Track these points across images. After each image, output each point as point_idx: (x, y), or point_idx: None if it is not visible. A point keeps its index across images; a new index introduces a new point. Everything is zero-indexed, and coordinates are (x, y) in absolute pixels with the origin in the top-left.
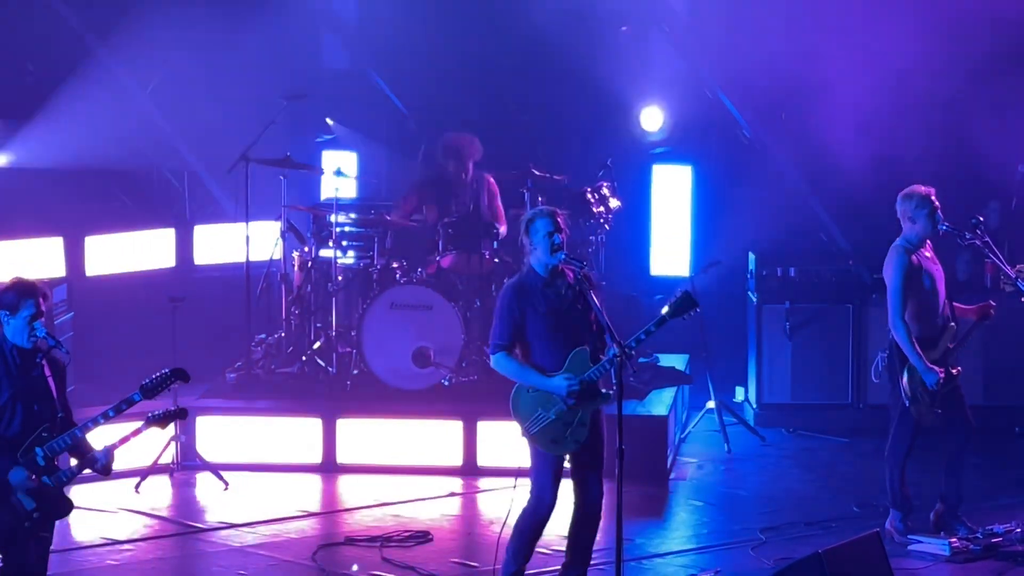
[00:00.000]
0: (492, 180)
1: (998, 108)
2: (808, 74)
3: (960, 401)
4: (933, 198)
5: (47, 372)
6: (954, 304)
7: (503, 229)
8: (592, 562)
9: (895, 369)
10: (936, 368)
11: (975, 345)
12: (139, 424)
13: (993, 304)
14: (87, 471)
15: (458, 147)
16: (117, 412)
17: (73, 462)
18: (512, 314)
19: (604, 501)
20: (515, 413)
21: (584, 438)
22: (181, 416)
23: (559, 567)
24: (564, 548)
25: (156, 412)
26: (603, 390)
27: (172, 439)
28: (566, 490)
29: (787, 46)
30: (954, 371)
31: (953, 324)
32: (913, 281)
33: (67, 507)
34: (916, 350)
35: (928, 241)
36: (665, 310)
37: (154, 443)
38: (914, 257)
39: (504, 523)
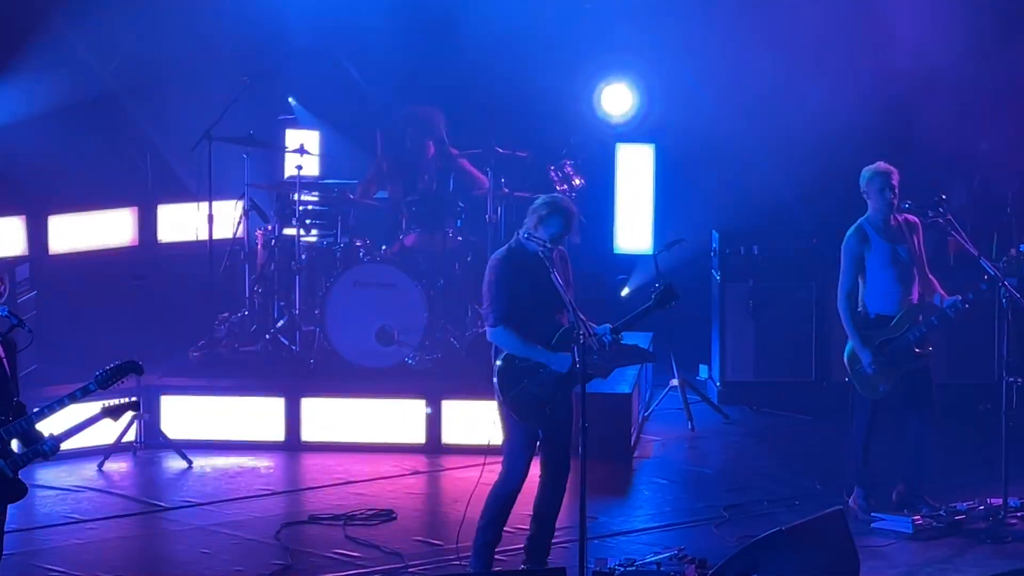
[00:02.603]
0: (455, 153)
1: (962, 86)
2: (771, 50)
3: (926, 381)
4: (887, 175)
5: (1, 353)
6: (927, 291)
7: (480, 193)
8: (556, 540)
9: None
10: (872, 350)
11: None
12: (92, 413)
13: (960, 300)
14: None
15: (419, 120)
16: (72, 401)
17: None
18: (509, 285)
19: (568, 479)
20: (500, 382)
21: (560, 415)
22: (134, 409)
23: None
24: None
25: (110, 403)
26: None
27: (135, 418)
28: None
29: (753, 25)
30: (918, 351)
31: (926, 301)
32: (862, 260)
33: (21, 491)
34: (854, 327)
35: (908, 218)
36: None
37: (117, 422)
38: (867, 236)
39: (468, 502)
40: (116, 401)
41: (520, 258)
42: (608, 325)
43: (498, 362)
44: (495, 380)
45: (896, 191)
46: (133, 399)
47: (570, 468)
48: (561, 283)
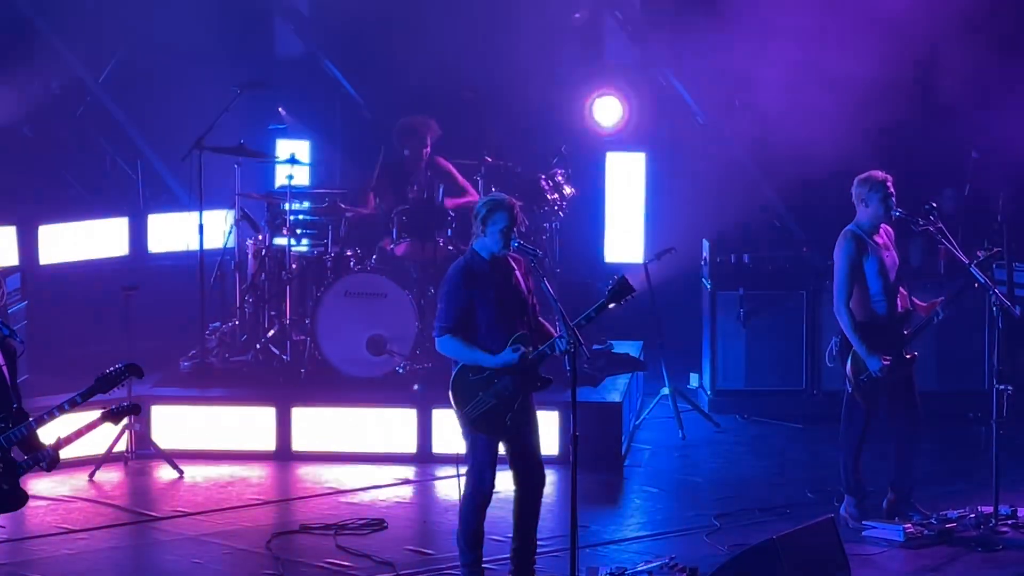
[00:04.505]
0: (445, 163)
1: (951, 94)
2: (761, 61)
3: (910, 387)
4: (888, 184)
5: (1, 361)
6: (911, 298)
7: (466, 200)
8: (547, 549)
9: (844, 355)
10: (880, 355)
11: (929, 331)
12: (93, 418)
13: (942, 303)
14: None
15: (415, 129)
16: (72, 406)
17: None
18: (460, 297)
19: (559, 488)
20: (455, 397)
21: (523, 422)
22: (135, 412)
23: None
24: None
25: (111, 407)
26: (544, 376)
27: (126, 428)
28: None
29: (739, 32)
30: (908, 356)
31: (909, 309)
32: (861, 267)
33: (22, 499)
34: (859, 336)
35: (885, 227)
36: (605, 298)
37: (108, 432)
38: (864, 243)
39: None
40: (117, 405)
41: (478, 268)
42: (564, 336)
43: (454, 373)
44: (449, 394)
45: (895, 198)
46: (134, 403)
47: (544, 475)
48: (551, 290)
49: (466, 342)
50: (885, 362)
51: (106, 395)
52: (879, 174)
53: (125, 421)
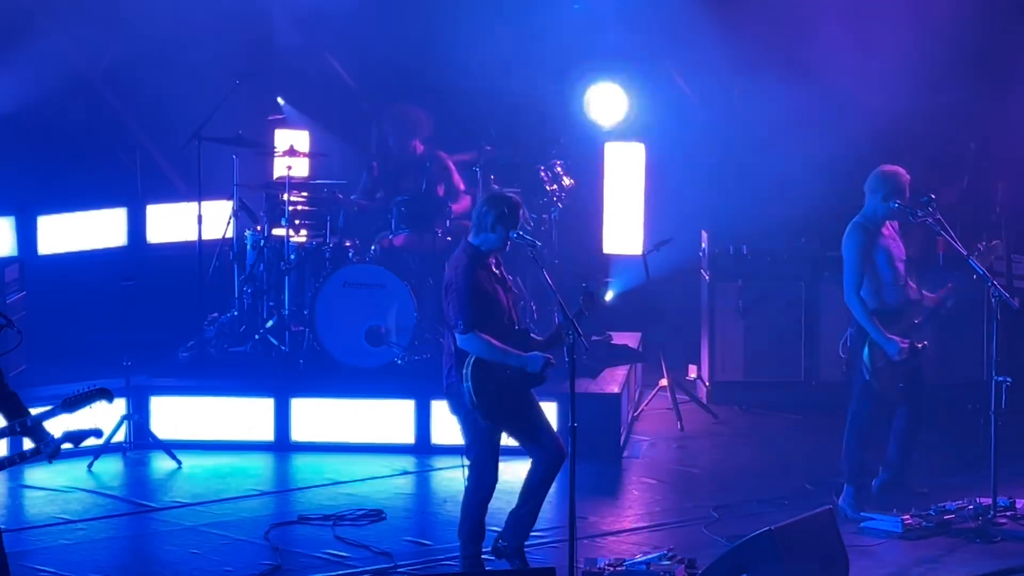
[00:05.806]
0: (446, 157)
1: (951, 87)
2: (761, 51)
3: (919, 376)
4: (908, 188)
5: None
6: (920, 290)
7: (457, 208)
8: (545, 540)
9: (858, 345)
10: (896, 338)
11: (932, 322)
12: (32, 446)
13: (951, 289)
14: None
15: (400, 121)
16: (35, 423)
17: None
18: (476, 291)
19: (557, 479)
20: (474, 389)
21: (531, 404)
22: (96, 436)
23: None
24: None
25: (73, 431)
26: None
27: (125, 418)
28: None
29: (739, 20)
30: (919, 345)
31: (919, 299)
32: (871, 257)
33: None
34: (874, 322)
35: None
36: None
37: (106, 422)
38: (872, 234)
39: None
40: (64, 443)
41: (482, 262)
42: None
43: (465, 370)
44: (467, 386)
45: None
46: (97, 427)
47: (566, 451)
48: (549, 281)
49: (492, 339)
50: (904, 345)
51: (71, 414)
52: (905, 175)
53: (123, 404)
